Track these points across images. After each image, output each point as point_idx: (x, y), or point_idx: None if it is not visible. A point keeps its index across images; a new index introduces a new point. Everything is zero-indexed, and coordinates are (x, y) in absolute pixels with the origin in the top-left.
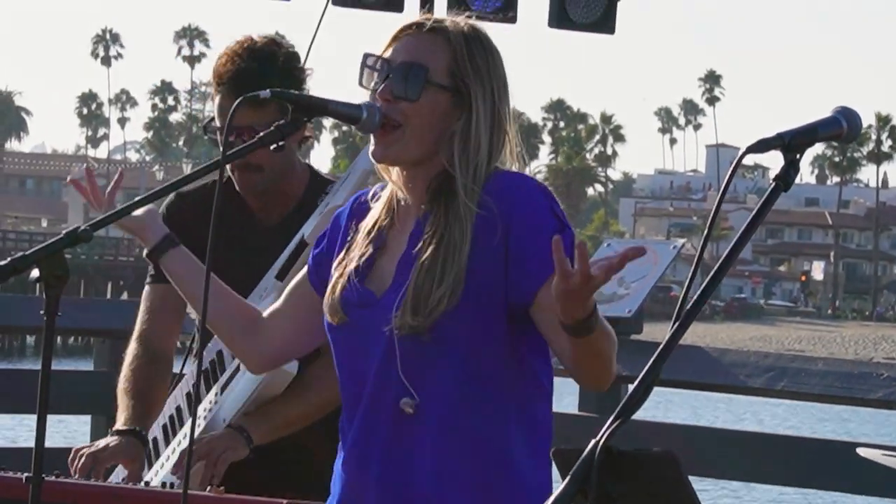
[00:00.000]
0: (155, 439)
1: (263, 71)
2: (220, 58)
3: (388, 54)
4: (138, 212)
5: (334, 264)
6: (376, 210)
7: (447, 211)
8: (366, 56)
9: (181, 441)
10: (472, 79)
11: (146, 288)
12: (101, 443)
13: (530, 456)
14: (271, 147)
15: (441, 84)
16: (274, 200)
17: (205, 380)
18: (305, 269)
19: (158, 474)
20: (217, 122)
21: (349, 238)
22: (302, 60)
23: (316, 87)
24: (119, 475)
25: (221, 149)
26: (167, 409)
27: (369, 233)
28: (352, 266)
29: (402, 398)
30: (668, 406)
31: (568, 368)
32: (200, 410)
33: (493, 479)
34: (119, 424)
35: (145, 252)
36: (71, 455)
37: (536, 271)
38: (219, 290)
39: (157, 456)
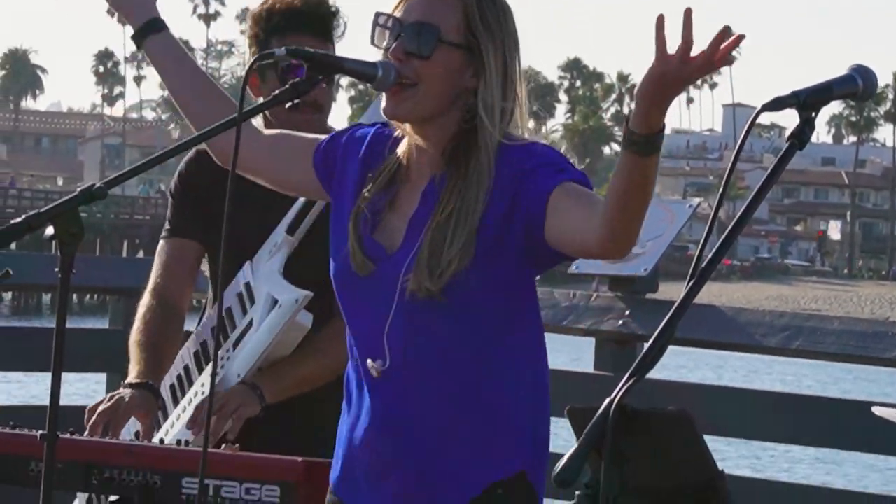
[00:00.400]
0: (162, 400)
1: (328, 10)
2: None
3: (399, 13)
4: None
5: (336, 192)
6: (391, 160)
7: (463, 175)
8: (377, 15)
9: (192, 399)
10: (483, 36)
11: (161, 242)
12: (115, 397)
13: (531, 412)
14: (286, 105)
15: (453, 42)
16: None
17: (213, 337)
18: (316, 137)
19: (169, 433)
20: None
21: (358, 166)
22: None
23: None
24: (131, 429)
25: (238, 106)
26: (174, 368)
27: (381, 183)
28: (364, 215)
29: (377, 359)
30: (683, 365)
31: (597, 237)
32: (210, 367)
33: (495, 434)
34: (132, 377)
35: (130, 35)
36: (86, 414)
37: (546, 180)
38: (206, 86)
39: (166, 415)
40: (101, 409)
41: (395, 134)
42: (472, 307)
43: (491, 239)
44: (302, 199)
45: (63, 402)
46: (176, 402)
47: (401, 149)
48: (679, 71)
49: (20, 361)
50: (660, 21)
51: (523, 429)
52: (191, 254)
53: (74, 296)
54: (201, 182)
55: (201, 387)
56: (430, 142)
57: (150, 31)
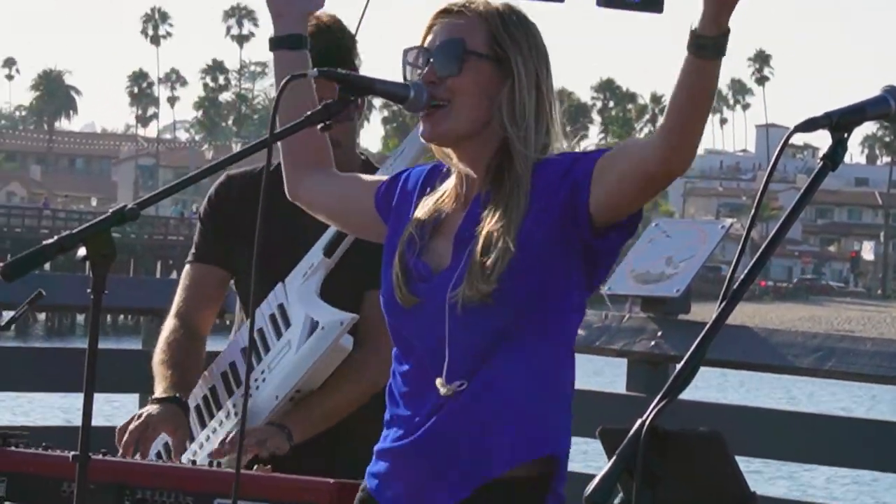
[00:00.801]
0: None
1: (323, 44)
2: None
3: (425, 43)
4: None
5: (390, 224)
6: (442, 191)
7: (504, 188)
8: (405, 52)
9: (222, 420)
10: (510, 46)
11: (186, 266)
12: (143, 414)
13: (565, 420)
14: (318, 126)
15: (480, 53)
16: None
17: (244, 356)
18: (378, 178)
19: (197, 454)
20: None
21: (412, 205)
22: (357, 46)
23: (365, 66)
24: (160, 443)
25: (269, 127)
26: (199, 390)
27: (429, 210)
28: (413, 239)
29: (443, 377)
30: (717, 386)
31: (658, 152)
32: (242, 390)
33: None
34: (158, 393)
35: (268, 37)
36: (116, 434)
37: (589, 159)
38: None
39: (192, 437)
40: (130, 428)
41: (446, 169)
42: (518, 310)
43: (534, 236)
44: None
45: (95, 422)
46: (203, 423)
47: (450, 182)
48: None
49: (54, 382)
50: None
51: (559, 439)
52: (214, 279)
53: (108, 316)
54: (230, 206)
55: (233, 407)
56: (473, 163)
57: (284, 46)
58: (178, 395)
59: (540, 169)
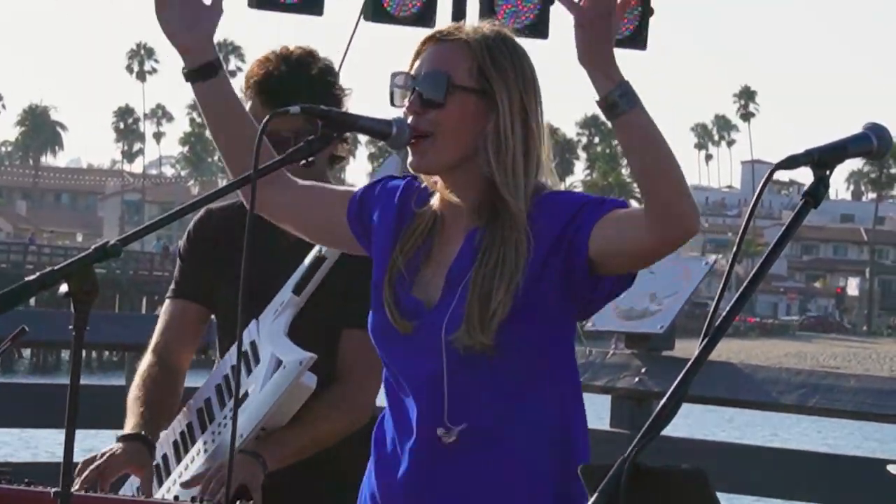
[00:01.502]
0: (165, 455)
1: (293, 77)
2: (255, 63)
3: (412, 70)
4: (194, 29)
5: (374, 245)
6: (425, 214)
7: (499, 227)
8: (393, 76)
9: (194, 457)
10: (495, 77)
11: (166, 301)
12: (107, 452)
13: (564, 470)
14: (301, 163)
15: (465, 86)
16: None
17: (218, 395)
18: (349, 189)
19: (171, 490)
20: None
21: (392, 221)
22: (338, 77)
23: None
24: (133, 486)
25: (254, 162)
26: (178, 424)
27: (416, 238)
28: (399, 271)
29: (441, 426)
30: (700, 422)
31: (647, 223)
32: (213, 426)
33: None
34: (126, 430)
35: (182, 69)
36: (78, 467)
37: (590, 215)
38: (248, 135)
39: (168, 472)
40: (91, 466)
41: (424, 185)
42: (517, 358)
43: (533, 284)
44: (309, 259)
45: (78, 458)
46: (179, 458)
47: (434, 201)
48: (595, 7)
49: (38, 418)
50: None
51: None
52: (194, 315)
53: (93, 353)
54: (209, 241)
55: (203, 444)
56: (462, 193)
57: (200, 77)
58: (143, 433)
59: (541, 205)
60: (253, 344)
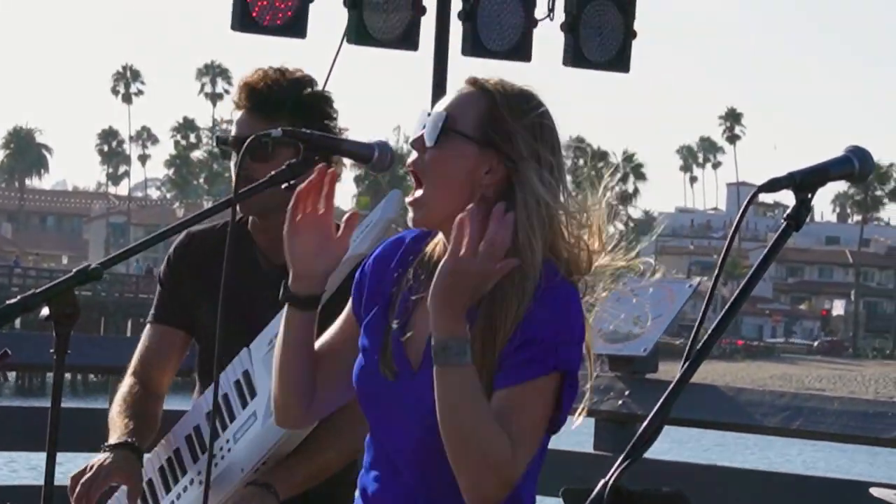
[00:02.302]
0: (150, 481)
1: (282, 90)
2: (251, 73)
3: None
4: (314, 259)
5: (369, 315)
6: (425, 255)
7: (489, 296)
8: (423, 113)
9: (187, 486)
10: (507, 132)
11: (147, 326)
12: (95, 463)
13: None
14: (283, 186)
15: (463, 133)
16: (277, 245)
17: (209, 424)
18: (349, 308)
19: None
20: (233, 131)
21: (389, 288)
22: (332, 104)
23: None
24: (119, 501)
25: (234, 186)
26: (163, 450)
27: (412, 278)
28: (394, 325)
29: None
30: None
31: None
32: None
33: None
34: (112, 439)
35: (282, 291)
36: (69, 482)
37: (518, 369)
38: (310, 343)
39: (154, 498)
40: (82, 479)
41: (414, 235)
42: None
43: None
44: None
45: (59, 481)
46: (167, 486)
47: (434, 241)
48: (470, 263)
49: (21, 440)
50: (461, 222)
51: None
52: (173, 340)
53: (78, 375)
54: (189, 266)
55: (197, 475)
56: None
57: (301, 306)
58: (131, 440)
59: (543, 301)
60: (247, 374)
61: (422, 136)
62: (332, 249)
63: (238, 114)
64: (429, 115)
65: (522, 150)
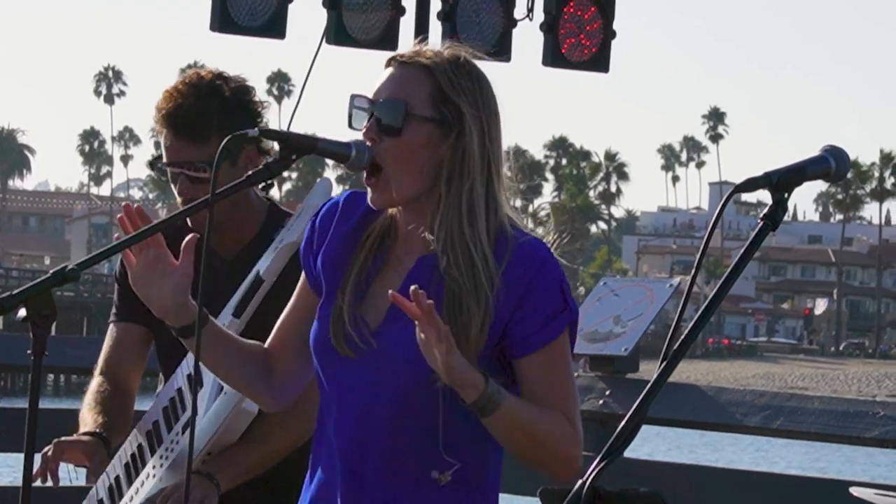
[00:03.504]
0: (118, 477)
1: (203, 108)
2: (163, 94)
3: (372, 94)
4: (164, 297)
5: (323, 275)
6: (380, 223)
7: (455, 261)
8: (353, 97)
9: (144, 481)
10: (456, 106)
11: (110, 325)
12: (62, 439)
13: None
14: (260, 186)
15: (423, 115)
16: (229, 234)
17: (165, 418)
18: (303, 278)
19: None
20: (164, 159)
21: (339, 244)
22: (254, 94)
23: (310, 124)
24: (103, 488)
25: (211, 186)
26: (128, 447)
27: (366, 251)
28: (349, 294)
29: (433, 467)
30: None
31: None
32: (161, 449)
33: None
34: (81, 430)
35: (174, 331)
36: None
37: (537, 333)
38: (227, 344)
39: (120, 494)
40: (47, 453)
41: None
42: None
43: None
44: (247, 281)
45: (38, 483)
46: (131, 481)
47: (382, 216)
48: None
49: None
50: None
51: None
52: (137, 336)
53: (61, 376)
54: None
55: (152, 469)
56: (419, 220)
57: (186, 335)
58: (99, 431)
59: (521, 256)
60: (197, 366)
61: (373, 124)
62: (176, 280)
63: (163, 134)
64: (369, 100)
65: (470, 122)
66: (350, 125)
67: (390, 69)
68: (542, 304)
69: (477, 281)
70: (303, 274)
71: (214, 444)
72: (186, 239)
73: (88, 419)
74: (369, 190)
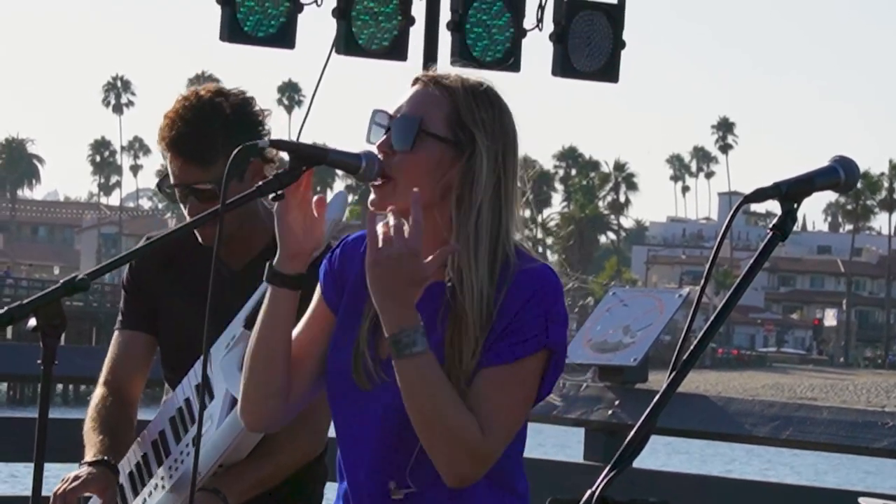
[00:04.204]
0: (121, 486)
1: (206, 131)
2: (163, 119)
3: (392, 110)
4: (305, 239)
5: (340, 314)
6: None
7: (460, 290)
8: (374, 112)
9: (151, 491)
10: (472, 131)
11: (115, 333)
12: (71, 475)
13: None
14: (270, 196)
15: (437, 135)
16: (238, 246)
17: (172, 428)
18: (318, 296)
19: None
20: (172, 181)
21: (354, 286)
22: (254, 104)
23: (320, 134)
24: None
25: (221, 198)
26: (133, 455)
27: None
28: (367, 330)
29: (392, 481)
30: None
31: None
32: (170, 460)
33: None
34: (88, 457)
35: (267, 270)
36: (51, 498)
37: (489, 356)
38: (287, 329)
39: (126, 503)
40: (58, 491)
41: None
42: None
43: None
44: (259, 292)
45: (48, 492)
46: (135, 490)
47: None
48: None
49: (10, 451)
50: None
51: None
52: (142, 345)
53: (70, 386)
54: (150, 271)
55: (160, 480)
56: (430, 242)
57: (287, 285)
58: (106, 458)
59: (520, 285)
60: (206, 378)
61: (388, 139)
62: (317, 229)
63: (169, 158)
64: (389, 115)
65: (482, 149)
66: (368, 139)
67: (415, 88)
68: (519, 328)
69: (478, 311)
70: (318, 292)
71: (228, 457)
72: (316, 198)
73: (93, 440)
74: (373, 192)
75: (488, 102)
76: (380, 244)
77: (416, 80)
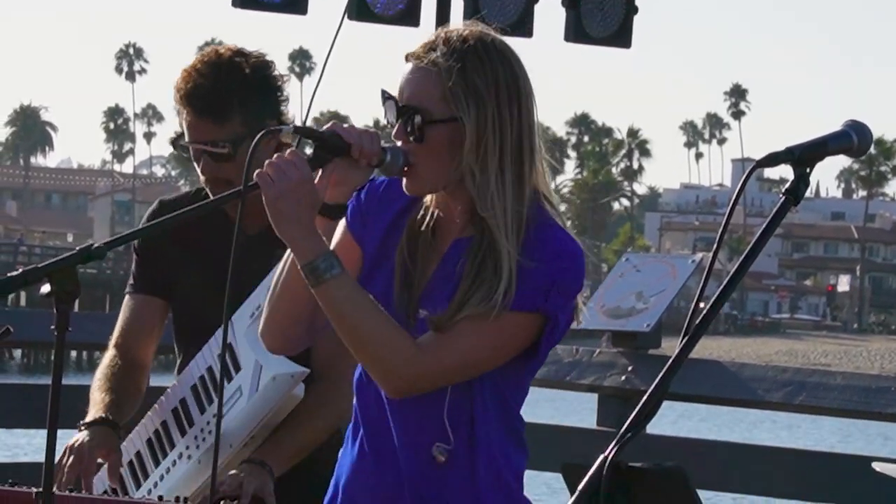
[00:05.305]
0: (139, 453)
1: (223, 87)
2: (181, 73)
3: (395, 91)
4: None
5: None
6: (420, 208)
7: (485, 242)
8: (383, 92)
9: (175, 462)
10: (465, 101)
11: (126, 297)
12: (75, 445)
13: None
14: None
15: (440, 119)
16: (253, 211)
17: (195, 397)
18: (342, 226)
19: (153, 492)
20: (186, 138)
21: (383, 233)
22: (274, 68)
23: (332, 101)
24: (102, 480)
25: (243, 180)
26: (150, 423)
27: (411, 234)
28: (391, 277)
29: (436, 442)
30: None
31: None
32: (195, 430)
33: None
34: (89, 417)
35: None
36: (57, 473)
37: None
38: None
39: (144, 471)
40: (66, 467)
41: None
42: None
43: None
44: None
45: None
46: (155, 458)
47: (423, 208)
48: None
49: (26, 418)
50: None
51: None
52: (153, 309)
53: (84, 353)
54: (163, 235)
55: (186, 450)
56: (455, 204)
57: (330, 215)
58: (107, 415)
59: (536, 241)
60: (230, 346)
61: (400, 129)
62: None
63: (184, 114)
64: (392, 99)
65: (479, 116)
66: (386, 119)
67: (409, 66)
68: (521, 282)
69: (500, 255)
70: (342, 225)
71: (261, 429)
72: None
73: (96, 398)
74: (404, 179)
75: (478, 61)
76: (275, 179)
77: (408, 56)
